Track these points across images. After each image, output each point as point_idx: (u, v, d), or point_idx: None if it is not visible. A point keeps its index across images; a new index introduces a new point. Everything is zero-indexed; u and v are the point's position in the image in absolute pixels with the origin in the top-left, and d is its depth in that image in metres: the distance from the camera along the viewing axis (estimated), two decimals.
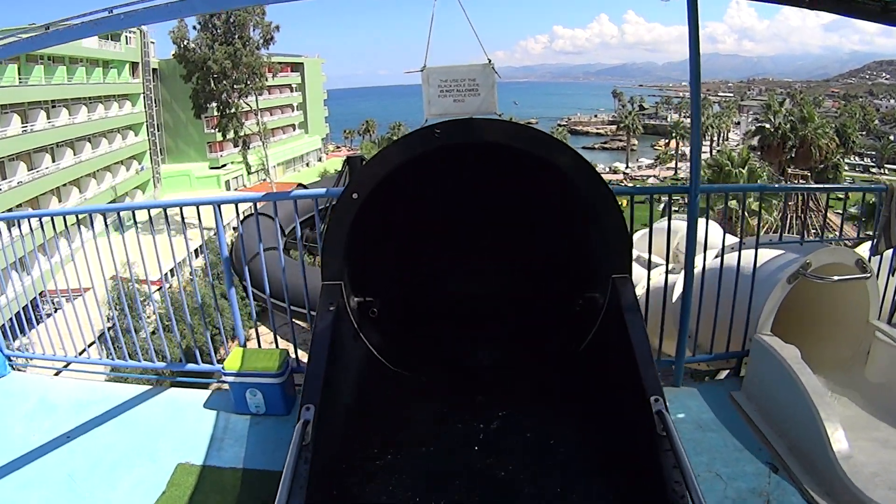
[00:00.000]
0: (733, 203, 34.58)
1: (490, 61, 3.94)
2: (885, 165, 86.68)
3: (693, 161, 4.67)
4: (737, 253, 5.18)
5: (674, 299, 5.96)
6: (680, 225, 12.32)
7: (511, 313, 4.70)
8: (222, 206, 5.09)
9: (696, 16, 4.06)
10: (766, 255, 5.17)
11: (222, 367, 4.92)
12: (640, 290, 7.56)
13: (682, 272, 5.21)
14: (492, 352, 4.57)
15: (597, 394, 3.99)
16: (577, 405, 3.99)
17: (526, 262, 4.55)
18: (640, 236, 14.17)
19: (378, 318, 4.35)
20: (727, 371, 6.05)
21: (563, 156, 3.82)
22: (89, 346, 5.90)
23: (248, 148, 55.38)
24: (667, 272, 6.96)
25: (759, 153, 47.62)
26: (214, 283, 15.51)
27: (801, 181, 35.13)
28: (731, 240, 10.45)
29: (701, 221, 4.97)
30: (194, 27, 50.01)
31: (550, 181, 3.96)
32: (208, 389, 5.43)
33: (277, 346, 5.37)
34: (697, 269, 5.95)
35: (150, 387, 5.64)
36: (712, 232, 11.15)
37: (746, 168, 35.16)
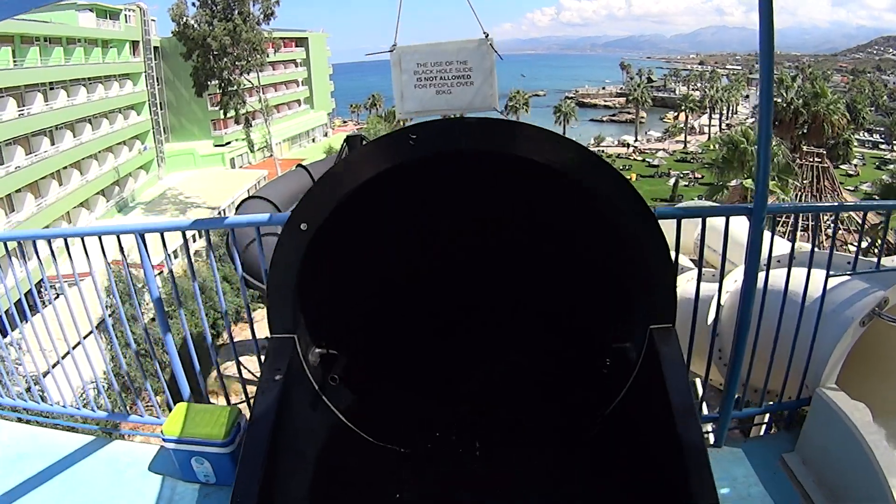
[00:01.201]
0: (748, 182, 34.22)
1: (488, 35, 2.88)
2: (894, 142, 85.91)
3: (760, 173, 3.52)
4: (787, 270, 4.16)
5: (708, 319, 5.00)
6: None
7: (518, 368, 3.73)
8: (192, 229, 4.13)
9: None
10: (821, 276, 4.16)
11: (161, 432, 4.03)
12: None
13: (718, 285, 4.22)
14: (493, 414, 3.64)
15: (622, 470, 3.21)
16: (599, 482, 3.25)
17: (538, 305, 3.57)
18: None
19: (347, 376, 3.40)
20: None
21: (592, 171, 2.87)
22: (26, 390, 5.09)
23: (252, 125, 54.40)
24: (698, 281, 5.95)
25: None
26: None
27: (816, 159, 34.06)
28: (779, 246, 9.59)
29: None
30: (193, 4, 49.31)
31: (572, 202, 3.01)
32: (156, 445, 4.57)
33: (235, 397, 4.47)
34: (737, 284, 5.00)
35: (93, 438, 4.87)
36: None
37: None
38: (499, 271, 3.44)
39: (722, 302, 5.58)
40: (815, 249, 4.28)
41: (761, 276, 3.80)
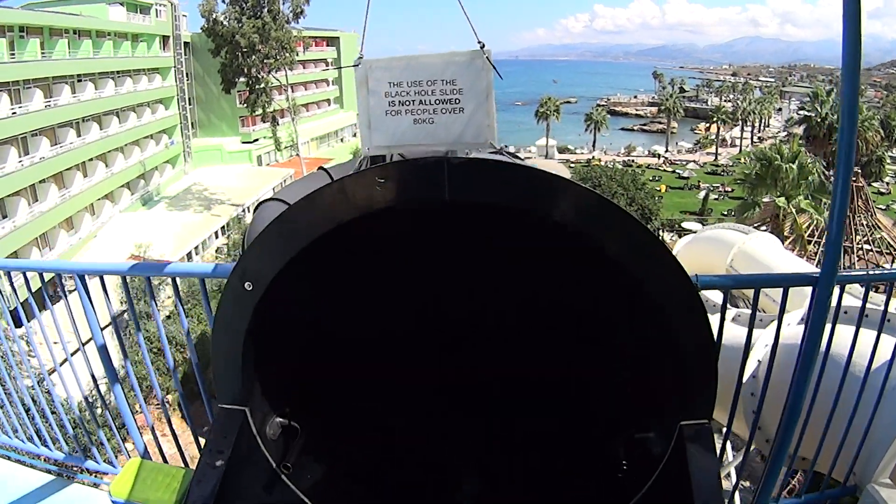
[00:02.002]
0: (781, 201, 33.21)
1: (483, 46, 2.18)
2: None
3: (832, 232, 2.72)
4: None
5: (746, 375, 4.32)
6: (733, 237, 10.80)
7: (517, 453, 3.05)
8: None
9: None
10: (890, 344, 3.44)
11: (109, 492, 3.45)
12: None
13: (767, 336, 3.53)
14: None
15: None
16: None
17: (544, 383, 2.89)
18: (683, 245, 12.52)
19: (312, 451, 2.76)
20: None
21: (632, 249, 2.22)
22: None
23: (279, 124, 54.22)
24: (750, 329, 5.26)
25: (803, 143, 45.69)
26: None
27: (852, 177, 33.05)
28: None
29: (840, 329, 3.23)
30: (223, 0, 48.98)
31: (599, 274, 2.35)
32: None
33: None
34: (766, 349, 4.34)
35: (53, 478, 4.43)
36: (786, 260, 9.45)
37: (797, 163, 33.02)
38: (496, 342, 2.77)
39: (759, 357, 4.92)
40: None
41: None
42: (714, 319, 2.74)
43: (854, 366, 3.36)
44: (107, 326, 3.70)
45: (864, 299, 3.19)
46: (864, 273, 3.18)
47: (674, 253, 10.88)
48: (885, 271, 3.66)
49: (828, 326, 2.94)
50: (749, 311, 3.44)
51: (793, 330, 3.74)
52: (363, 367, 2.82)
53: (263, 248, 2.30)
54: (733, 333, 4.29)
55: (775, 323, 4.91)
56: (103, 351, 3.70)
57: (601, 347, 2.60)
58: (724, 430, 3.40)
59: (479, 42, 2.18)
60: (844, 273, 2.89)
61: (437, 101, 2.23)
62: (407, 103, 2.25)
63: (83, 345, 3.78)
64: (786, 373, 3.12)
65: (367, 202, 2.17)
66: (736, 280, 3.13)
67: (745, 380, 4.31)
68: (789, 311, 3.24)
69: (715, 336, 2.42)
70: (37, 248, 36.01)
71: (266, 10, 48.30)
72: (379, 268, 2.54)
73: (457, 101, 2.22)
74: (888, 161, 66.16)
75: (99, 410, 4.64)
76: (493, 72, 2.20)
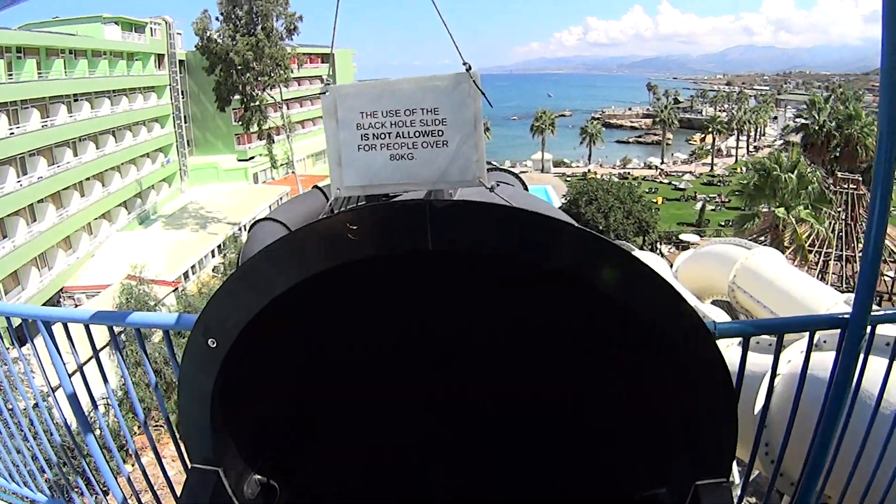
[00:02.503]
0: (780, 211, 32.89)
1: (469, 67, 1.89)
2: None
3: (864, 274, 2.45)
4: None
5: (755, 408, 4.06)
6: (735, 252, 10.52)
7: None
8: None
9: None
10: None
11: None
12: None
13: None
14: None
15: None
16: None
17: (540, 435, 2.62)
18: (683, 261, 12.21)
19: None
20: None
21: (649, 299, 1.93)
22: None
23: (274, 141, 54.04)
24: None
25: (801, 152, 45.56)
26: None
27: (851, 186, 32.82)
28: (827, 294, 8.40)
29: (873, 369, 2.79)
30: (217, 18, 48.97)
31: (606, 321, 2.08)
32: None
33: None
34: (792, 365, 4.07)
35: None
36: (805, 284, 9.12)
37: (796, 172, 32.74)
38: (489, 391, 2.50)
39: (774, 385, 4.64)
40: None
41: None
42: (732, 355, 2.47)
43: (886, 404, 3.08)
44: (74, 374, 3.43)
45: None
46: None
47: (674, 269, 10.49)
48: None
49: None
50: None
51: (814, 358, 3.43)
52: (341, 417, 2.56)
53: (225, 302, 2.02)
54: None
55: (790, 347, 4.65)
56: (73, 399, 3.43)
57: (610, 402, 2.34)
58: (745, 471, 3.12)
59: (465, 63, 1.88)
60: (877, 313, 2.53)
61: (417, 134, 1.93)
62: (382, 136, 1.95)
63: (53, 390, 3.56)
64: (805, 406, 2.84)
65: (335, 253, 1.88)
66: (757, 326, 2.79)
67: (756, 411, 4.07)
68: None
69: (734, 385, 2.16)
70: (35, 267, 35.84)
71: (260, 27, 48.18)
72: (355, 312, 2.27)
73: (440, 132, 1.91)
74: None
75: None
76: (481, 97, 1.90)
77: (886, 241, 30.06)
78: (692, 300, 8.08)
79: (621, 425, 2.40)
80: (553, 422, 2.51)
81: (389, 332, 2.36)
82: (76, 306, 35.63)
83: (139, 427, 3.89)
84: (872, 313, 2.44)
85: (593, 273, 1.85)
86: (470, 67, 1.87)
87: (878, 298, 31.31)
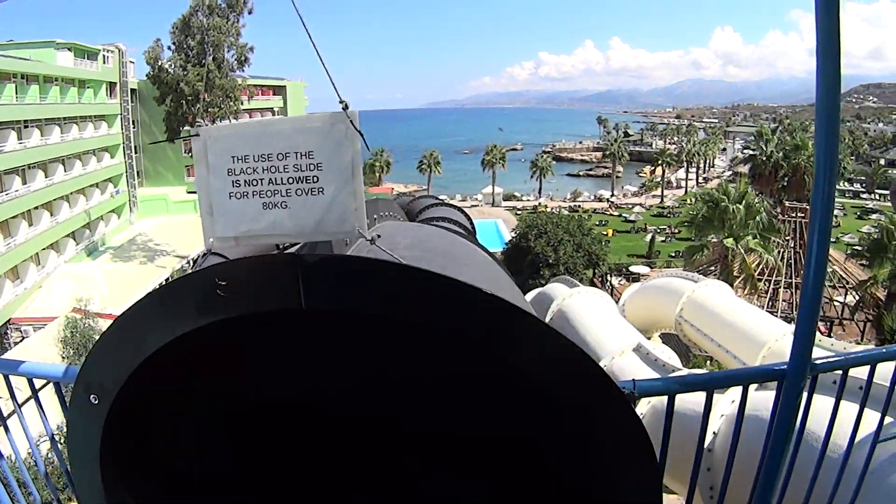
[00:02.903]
0: (729, 241, 33.44)
1: (346, 106, 1.73)
2: (876, 190, 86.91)
3: (801, 325, 2.35)
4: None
5: (710, 444, 3.96)
6: (682, 285, 10.52)
7: None
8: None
9: None
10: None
11: None
12: (644, 408, 5.61)
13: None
14: None
15: None
16: None
17: None
18: (629, 295, 12.16)
19: None
20: None
21: (521, 338, 1.73)
22: None
23: None
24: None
25: (749, 182, 46.48)
26: None
27: (799, 215, 33.68)
28: (775, 326, 8.38)
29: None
30: (169, 47, 48.63)
31: (489, 380, 1.93)
32: None
33: None
34: (734, 406, 4.01)
35: None
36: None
37: (744, 203, 33.42)
38: (390, 462, 2.32)
39: (715, 428, 4.57)
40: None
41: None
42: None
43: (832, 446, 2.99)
44: None
45: (841, 387, 2.74)
46: (842, 358, 2.68)
47: (621, 303, 10.33)
48: (862, 352, 3.15)
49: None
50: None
51: (755, 397, 3.33)
52: (238, 475, 2.38)
53: (102, 358, 1.85)
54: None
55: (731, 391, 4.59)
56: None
57: (513, 480, 2.16)
58: None
59: (342, 102, 1.72)
60: (817, 360, 2.41)
61: (291, 180, 1.78)
62: (254, 182, 1.79)
63: None
64: (748, 445, 2.74)
65: (208, 310, 1.72)
66: (682, 383, 2.66)
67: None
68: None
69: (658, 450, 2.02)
70: None
71: (211, 57, 47.74)
72: (237, 370, 2.09)
73: (315, 178, 1.76)
74: (835, 195, 67.55)
75: None
76: (360, 139, 1.75)
77: (835, 268, 30.76)
78: (636, 336, 8.02)
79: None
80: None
81: (276, 394, 2.18)
82: (23, 339, 34.46)
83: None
84: (813, 358, 2.35)
85: (482, 335, 1.70)
86: (347, 106, 1.72)
87: (828, 323, 31.83)
